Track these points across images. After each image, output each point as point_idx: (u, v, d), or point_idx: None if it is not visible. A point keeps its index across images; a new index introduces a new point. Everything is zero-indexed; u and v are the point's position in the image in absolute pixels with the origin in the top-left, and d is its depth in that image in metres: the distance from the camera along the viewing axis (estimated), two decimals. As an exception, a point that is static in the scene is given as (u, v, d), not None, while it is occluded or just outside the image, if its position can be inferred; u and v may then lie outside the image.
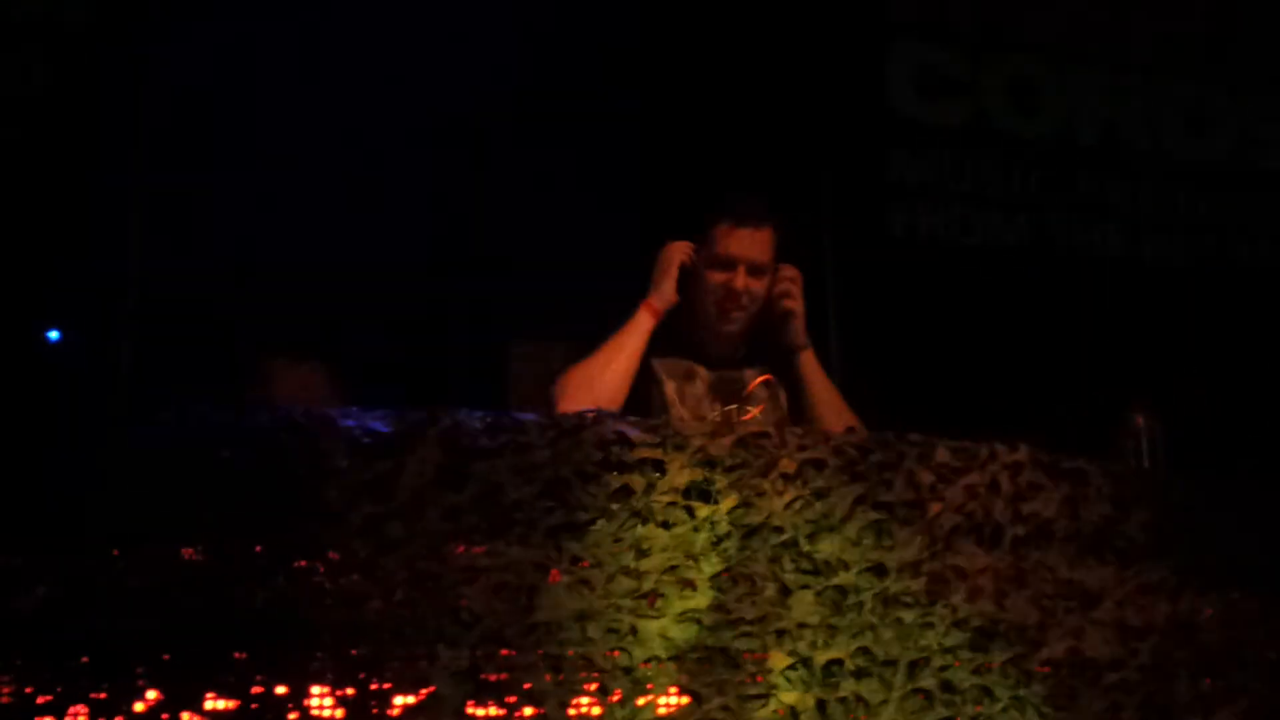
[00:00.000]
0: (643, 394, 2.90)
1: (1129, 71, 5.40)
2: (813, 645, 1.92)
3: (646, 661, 1.85)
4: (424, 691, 1.77)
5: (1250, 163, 5.45)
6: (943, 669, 1.98)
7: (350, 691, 1.76)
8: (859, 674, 1.93)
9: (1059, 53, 5.32)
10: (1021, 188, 5.17)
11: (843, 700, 1.91)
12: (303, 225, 3.96)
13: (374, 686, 1.76)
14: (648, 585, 1.87)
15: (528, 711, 1.80)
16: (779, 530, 1.94)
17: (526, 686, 1.80)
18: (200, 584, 1.79)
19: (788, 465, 1.95)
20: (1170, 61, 5.45)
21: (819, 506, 1.96)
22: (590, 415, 1.91)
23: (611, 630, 1.85)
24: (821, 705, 1.90)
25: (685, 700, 1.86)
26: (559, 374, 2.90)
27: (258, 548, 1.80)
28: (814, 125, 4.73)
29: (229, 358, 3.54)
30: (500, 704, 1.78)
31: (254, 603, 1.77)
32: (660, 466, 1.90)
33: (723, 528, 1.91)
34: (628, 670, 1.84)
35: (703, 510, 1.91)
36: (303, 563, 1.80)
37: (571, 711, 1.81)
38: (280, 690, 1.74)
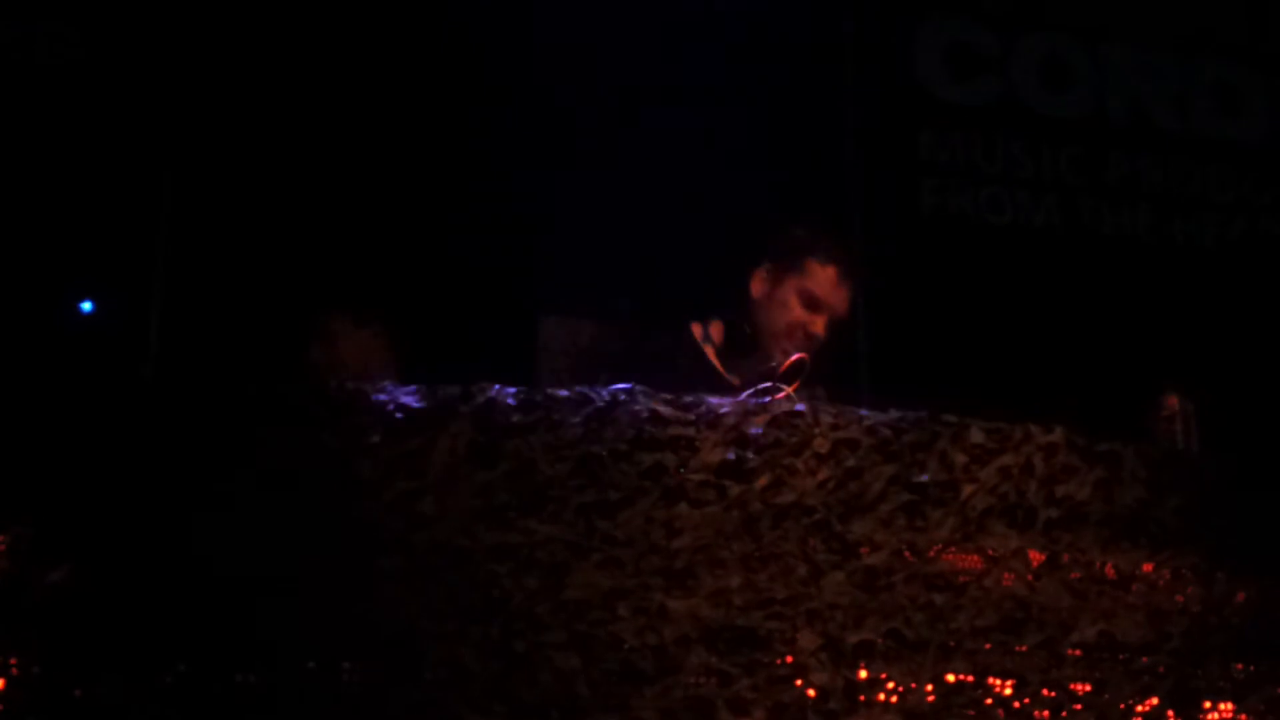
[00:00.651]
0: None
1: (1160, 50, 5.36)
2: (843, 627, 1.91)
3: (676, 641, 1.85)
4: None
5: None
6: (973, 652, 1.97)
7: (379, 664, 1.76)
8: (889, 656, 1.92)
9: (1090, 32, 5.28)
10: (1051, 168, 5.14)
11: (873, 682, 1.90)
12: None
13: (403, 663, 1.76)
14: (679, 564, 1.86)
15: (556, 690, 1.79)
16: (811, 510, 1.93)
17: (555, 663, 1.79)
18: (228, 556, 1.79)
19: (821, 444, 1.94)
20: (1202, 41, 5.41)
21: (852, 486, 1.94)
22: (623, 392, 1.90)
23: (640, 610, 1.84)
24: (851, 687, 1.89)
25: (713, 680, 1.86)
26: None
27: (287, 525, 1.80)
28: (843, 104, 4.72)
29: (284, 317, 3.54)
30: (531, 682, 1.78)
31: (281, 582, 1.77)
32: (692, 445, 1.89)
33: (755, 507, 1.90)
34: (657, 649, 1.84)
35: (735, 489, 1.90)
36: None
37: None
38: (311, 665, 1.75)
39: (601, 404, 1.88)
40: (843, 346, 3.07)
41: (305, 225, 3.96)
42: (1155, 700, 2.06)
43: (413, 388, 1.85)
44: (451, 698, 1.76)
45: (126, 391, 1.92)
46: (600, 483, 1.85)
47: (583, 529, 1.84)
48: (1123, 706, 2.03)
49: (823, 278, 3.23)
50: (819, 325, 3.22)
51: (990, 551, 2.01)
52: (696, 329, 3.30)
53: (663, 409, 1.89)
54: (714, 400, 1.92)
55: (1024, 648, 1.99)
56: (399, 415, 1.82)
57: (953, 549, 1.99)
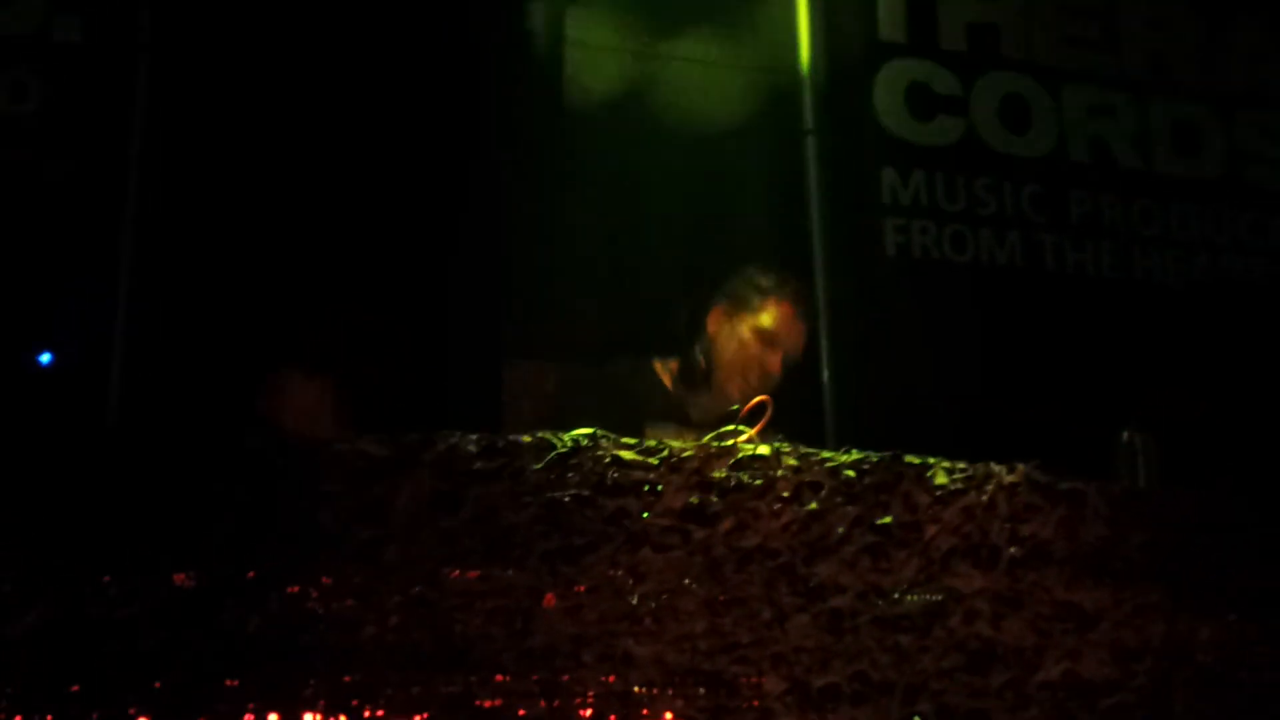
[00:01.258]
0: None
1: (1118, 89, 5.41)
2: (809, 670, 1.90)
3: (641, 686, 1.84)
4: (418, 718, 1.75)
5: (1240, 180, 5.46)
6: (939, 692, 1.96)
7: (343, 718, 1.74)
8: (855, 699, 1.92)
9: (1049, 72, 5.33)
10: (1014, 205, 5.18)
11: (839, 725, 1.89)
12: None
13: (367, 714, 1.74)
14: (644, 610, 1.85)
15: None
16: (775, 553, 1.92)
17: (521, 713, 1.78)
18: (192, 609, 1.77)
19: (784, 487, 1.94)
20: (1160, 80, 5.47)
21: (815, 529, 1.94)
22: (585, 437, 1.90)
23: (606, 656, 1.83)
24: (818, 730, 1.89)
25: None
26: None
27: (250, 573, 1.78)
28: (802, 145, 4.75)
29: (235, 372, 3.52)
30: (495, 731, 1.77)
31: (247, 628, 1.75)
32: (655, 489, 1.89)
33: (719, 551, 1.90)
34: (623, 696, 1.83)
35: (698, 533, 1.90)
36: (295, 588, 1.79)
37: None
38: (273, 717, 1.73)
39: (564, 450, 1.88)
40: (805, 387, 3.07)
41: (266, 276, 3.95)
42: (1122, 739, 2.06)
43: (374, 435, 1.84)
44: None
45: (88, 442, 1.91)
46: (564, 529, 1.85)
47: (547, 575, 1.84)
48: (1089, 745, 2.03)
49: (779, 315, 3.30)
50: (774, 363, 3.28)
51: (955, 591, 2.01)
52: (658, 366, 3.33)
53: (625, 454, 1.89)
54: (676, 445, 1.92)
55: (990, 688, 1.99)
56: (360, 463, 1.81)
57: (917, 590, 1.99)
